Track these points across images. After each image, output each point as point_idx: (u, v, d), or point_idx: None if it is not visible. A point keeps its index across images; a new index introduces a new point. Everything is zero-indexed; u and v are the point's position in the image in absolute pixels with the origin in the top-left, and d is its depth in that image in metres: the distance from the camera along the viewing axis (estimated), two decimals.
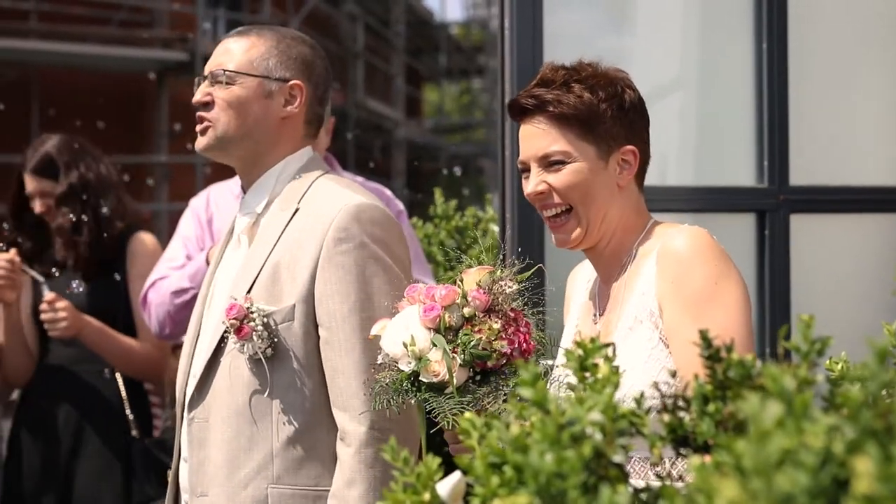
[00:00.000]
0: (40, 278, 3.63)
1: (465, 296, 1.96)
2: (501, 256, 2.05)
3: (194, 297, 3.25)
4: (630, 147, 2.12)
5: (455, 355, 1.92)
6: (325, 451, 2.38)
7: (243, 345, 2.35)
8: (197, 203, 3.55)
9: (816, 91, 3.38)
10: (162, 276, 3.44)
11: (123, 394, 3.69)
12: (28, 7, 13.26)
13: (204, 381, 2.45)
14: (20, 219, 3.76)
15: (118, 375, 3.71)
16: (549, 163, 2.11)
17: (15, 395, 3.87)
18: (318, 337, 2.37)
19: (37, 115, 12.99)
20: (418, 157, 20.08)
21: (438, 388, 1.92)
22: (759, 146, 3.32)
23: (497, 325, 1.93)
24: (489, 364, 1.91)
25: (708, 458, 1.23)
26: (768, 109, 3.29)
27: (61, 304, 3.52)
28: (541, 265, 2.17)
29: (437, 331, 1.95)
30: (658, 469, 1.34)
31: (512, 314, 1.96)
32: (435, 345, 1.95)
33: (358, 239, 2.37)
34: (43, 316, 3.54)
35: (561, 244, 2.15)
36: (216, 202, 3.53)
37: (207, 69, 2.56)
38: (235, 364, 2.41)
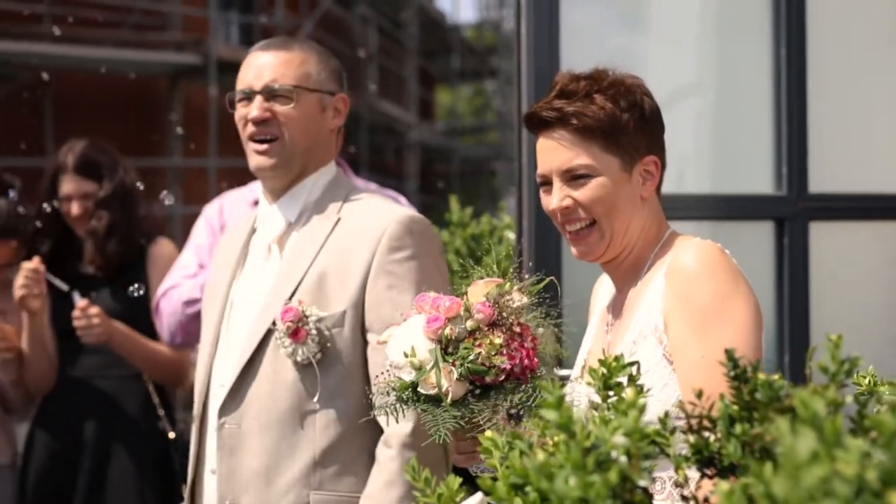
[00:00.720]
0: (64, 287, 3.61)
1: (468, 308, 1.94)
2: (514, 268, 2.02)
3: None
4: (652, 157, 2.09)
5: (453, 368, 1.89)
6: (368, 458, 2.39)
7: (296, 349, 2.36)
8: (210, 211, 3.54)
9: (836, 97, 3.34)
10: (174, 284, 3.43)
11: (155, 398, 3.69)
12: (42, 10, 13.29)
13: (238, 388, 2.45)
14: (47, 221, 3.74)
15: (147, 380, 3.71)
16: (573, 177, 2.07)
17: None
18: (366, 343, 2.42)
19: (51, 118, 13.02)
20: (431, 159, 20.06)
21: (436, 399, 1.90)
22: (778, 153, 3.29)
23: (499, 340, 1.90)
24: (487, 379, 1.89)
25: (734, 481, 1.21)
26: (787, 115, 3.26)
27: (94, 310, 3.51)
28: (553, 278, 2.13)
29: (439, 342, 1.93)
30: (684, 491, 1.32)
31: (518, 329, 1.93)
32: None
33: (411, 249, 2.45)
34: (76, 323, 3.52)
35: (582, 256, 2.12)
36: (230, 210, 3.52)
37: (257, 83, 2.54)
38: (277, 369, 2.41)
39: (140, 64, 13.53)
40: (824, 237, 3.29)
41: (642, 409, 1.19)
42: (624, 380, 1.37)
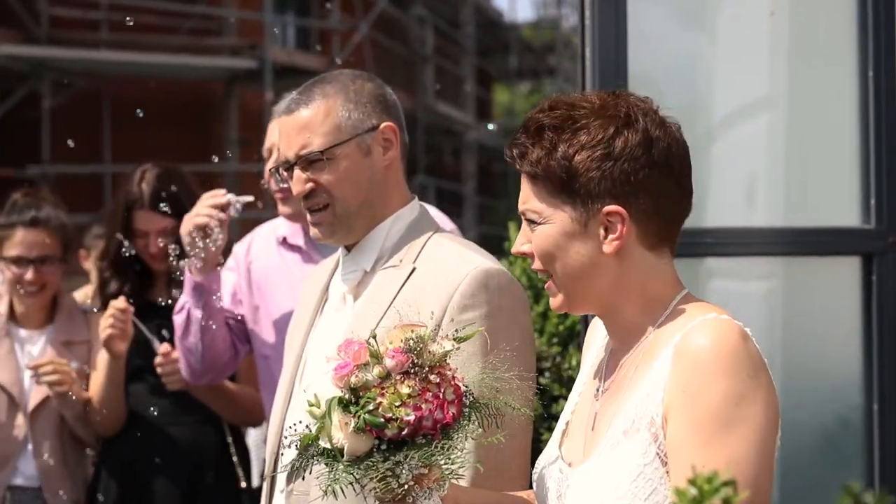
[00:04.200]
0: (150, 334, 3.45)
1: (375, 354, 1.73)
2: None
3: (189, 314, 3.08)
4: (614, 207, 1.75)
5: (351, 420, 1.69)
6: None
7: None
8: (238, 249, 3.38)
9: None
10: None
11: (232, 446, 3.56)
12: (98, 17, 13.31)
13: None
14: (119, 260, 3.56)
15: (224, 423, 3.58)
16: (527, 220, 1.81)
17: None
18: None
19: (108, 124, 13.04)
20: (489, 159, 19.86)
21: (337, 455, 1.72)
22: (865, 182, 3.03)
23: (406, 390, 1.68)
24: (388, 433, 1.68)
25: None
26: (875, 141, 3.01)
27: (176, 354, 3.36)
28: (482, 329, 1.93)
29: (350, 390, 1.73)
30: None
31: (436, 378, 1.71)
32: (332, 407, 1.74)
33: (484, 308, 2.22)
34: (160, 370, 3.39)
35: (554, 310, 1.86)
36: (258, 246, 3.37)
37: (289, 153, 2.38)
38: None
39: (196, 69, 13.54)
40: None
41: None
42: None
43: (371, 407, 1.68)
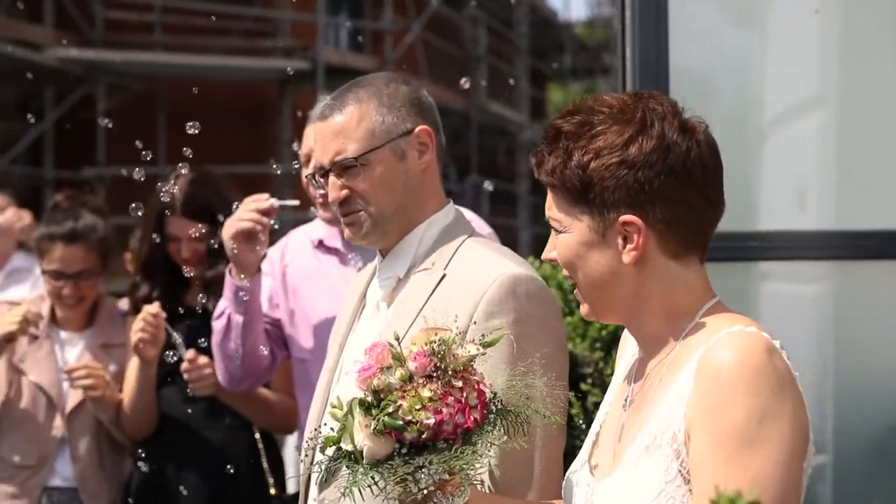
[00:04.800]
0: (178, 339, 3.43)
1: (397, 357, 1.69)
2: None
3: (230, 320, 3.05)
4: (630, 217, 1.70)
5: (372, 422, 1.66)
6: None
7: None
8: (273, 253, 3.34)
9: None
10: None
11: (262, 452, 3.53)
12: (153, 19, 13.44)
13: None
14: (151, 264, 3.56)
15: (256, 430, 3.55)
16: (553, 227, 1.79)
17: None
18: None
19: (163, 126, 13.15)
20: None
21: (360, 456, 1.70)
22: None
23: (428, 394, 1.65)
24: (407, 437, 1.65)
25: None
26: None
27: (202, 360, 3.35)
28: (508, 333, 1.88)
29: (373, 393, 1.70)
30: None
31: (459, 383, 1.67)
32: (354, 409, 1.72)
33: (512, 315, 2.15)
34: (186, 376, 3.37)
35: (584, 317, 1.84)
36: (292, 249, 3.33)
37: (324, 159, 2.35)
38: None
39: (249, 70, 13.61)
40: None
41: None
42: None
43: (391, 409, 1.66)
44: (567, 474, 1.88)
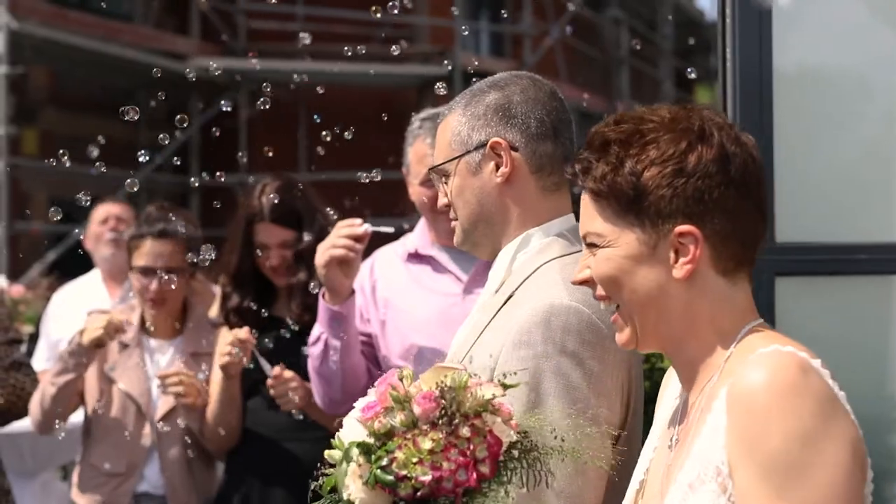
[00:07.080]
0: (267, 365, 3.40)
1: (399, 399, 1.53)
2: None
3: (327, 344, 3.01)
4: (687, 228, 1.60)
5: (367, 472, 1.50)
6: None
7: None
8: (363, 270, 3.26)
9: None
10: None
11: None
12: (295, 28, 13.64)
13: None
14: (240, 273, 3.54)
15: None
16: (588, 244, 1.68)
17: None
18: None
19: (304, 134, 13.32)
20: None
21: None
22: None
23: (428, 445, 1.47)
24: (400, 493, 1.47)
25: None
26: None
27: (288, 374, 3.33)
28: (525, 370, 1.79)
29: (373, 435, 1.54)
30: None
31: (467, 431, 1.49)
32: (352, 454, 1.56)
33: (539, 347, 1.99)
34: (273, 392, 3.36)
35: (621, 346, 1.71)
36: (381, 267, 3.27)
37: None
38: None
39: (388, 77, 13.66)
40: None
41: None
42: None
43: (384, 462, 1.50)
44: None
